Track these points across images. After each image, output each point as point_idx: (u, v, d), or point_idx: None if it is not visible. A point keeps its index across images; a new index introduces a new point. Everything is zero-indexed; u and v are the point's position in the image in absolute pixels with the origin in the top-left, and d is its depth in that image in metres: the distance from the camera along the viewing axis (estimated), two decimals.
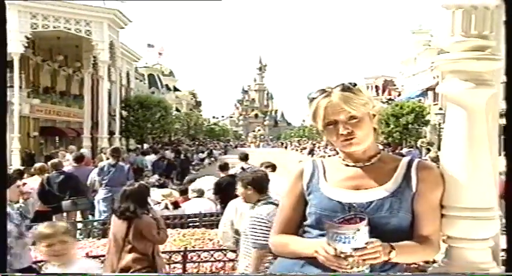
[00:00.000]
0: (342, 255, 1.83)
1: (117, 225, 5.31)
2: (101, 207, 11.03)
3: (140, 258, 5.23)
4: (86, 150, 19.04)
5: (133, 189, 5.49)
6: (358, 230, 1.83)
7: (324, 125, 2.02)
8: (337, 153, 2.19)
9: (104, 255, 6.15)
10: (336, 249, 1.84)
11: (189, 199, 10.45)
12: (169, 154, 25.94)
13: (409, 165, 2.05)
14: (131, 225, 5.23)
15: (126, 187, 5.61)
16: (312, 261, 1.96)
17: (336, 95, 1.99)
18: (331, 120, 2.00)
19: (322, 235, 1.97)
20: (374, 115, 2.05)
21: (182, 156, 24.95)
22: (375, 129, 2.06)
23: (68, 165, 12.11)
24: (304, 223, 2.10)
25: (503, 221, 2.18)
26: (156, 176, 18.92)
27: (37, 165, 11.51)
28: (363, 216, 1.89)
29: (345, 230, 1.84)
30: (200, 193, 10.39)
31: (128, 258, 5.20)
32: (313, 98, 2.04)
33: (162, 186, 16.99)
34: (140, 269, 5.17)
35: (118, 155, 11.84)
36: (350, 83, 2.04)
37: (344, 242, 1.83)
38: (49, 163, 11.43)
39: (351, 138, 1.98)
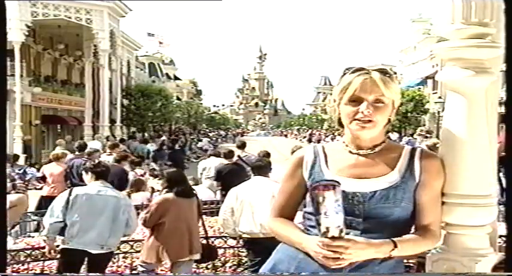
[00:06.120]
0: (322, 229, 1.80)
1: (185, 206, 5.51)
2: None
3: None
4: (99, 143, 18.94)
5: None
6: (324, 197, 1.80)
7: (347, 101, 1.97)
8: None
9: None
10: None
11: None
12: (166, 140, 25.97)
13: (412, 154, 2.02)
14: (199, 202, 5.64)
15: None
16: None
17: (377, 75, 1.95)
18: (357, 97, 1.94)
19: None
20: (394, 107, 2.01)
21: (177, 147, 24.83)
22: (389, 120, 2.02)
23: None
24: (304, 210, 2.07)
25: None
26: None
27: (55, 152, 11.81)
28: (337, 184, 1.84)
29: (314, 195, 1.83)
30: (195, 181, 10.57)
31: (200, 234, 5.64)
32: (352, 72, 1.98)
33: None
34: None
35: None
36: (390, 70, 2.04)
37: (320, 213, 1.80)
38: (51, 155, 11.67)
39: (368, 122, 1.94)
